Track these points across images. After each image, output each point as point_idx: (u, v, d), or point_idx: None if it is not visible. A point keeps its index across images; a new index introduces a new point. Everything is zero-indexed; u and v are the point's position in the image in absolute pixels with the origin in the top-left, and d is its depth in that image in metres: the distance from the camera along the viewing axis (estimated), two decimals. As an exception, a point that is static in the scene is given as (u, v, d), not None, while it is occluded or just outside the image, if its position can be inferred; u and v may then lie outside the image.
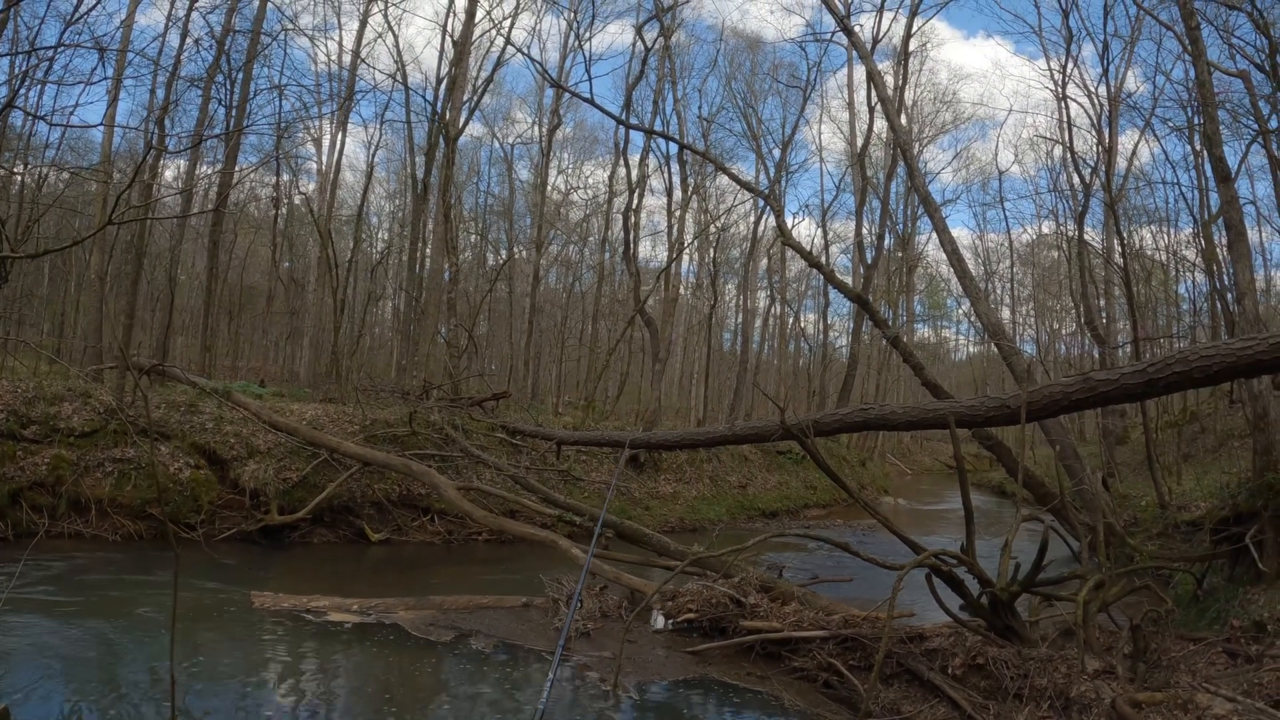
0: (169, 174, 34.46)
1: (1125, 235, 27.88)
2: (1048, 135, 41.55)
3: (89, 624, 9.88)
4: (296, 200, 38.83)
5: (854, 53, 33.88)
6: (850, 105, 43.96)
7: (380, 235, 52.00)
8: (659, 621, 10.83)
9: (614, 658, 9.00)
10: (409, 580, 13.86)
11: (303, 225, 42.26)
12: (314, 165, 42.06)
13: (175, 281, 28.51)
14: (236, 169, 27.91)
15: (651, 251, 52.19)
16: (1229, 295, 22.71)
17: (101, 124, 21.99)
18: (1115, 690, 7.14)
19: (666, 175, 40.34)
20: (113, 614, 10.36)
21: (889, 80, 34.02)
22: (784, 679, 9.12)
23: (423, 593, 11.98)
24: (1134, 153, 38.49)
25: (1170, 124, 31.68)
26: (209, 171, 31.40)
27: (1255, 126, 24.72)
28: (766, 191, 29.99)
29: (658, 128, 35.03)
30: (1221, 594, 10.50)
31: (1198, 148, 29.22)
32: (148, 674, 8.46)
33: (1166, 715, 6.73)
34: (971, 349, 72.80)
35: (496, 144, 47.80)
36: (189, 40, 24.33)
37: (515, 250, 47.14)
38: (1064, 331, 57.81)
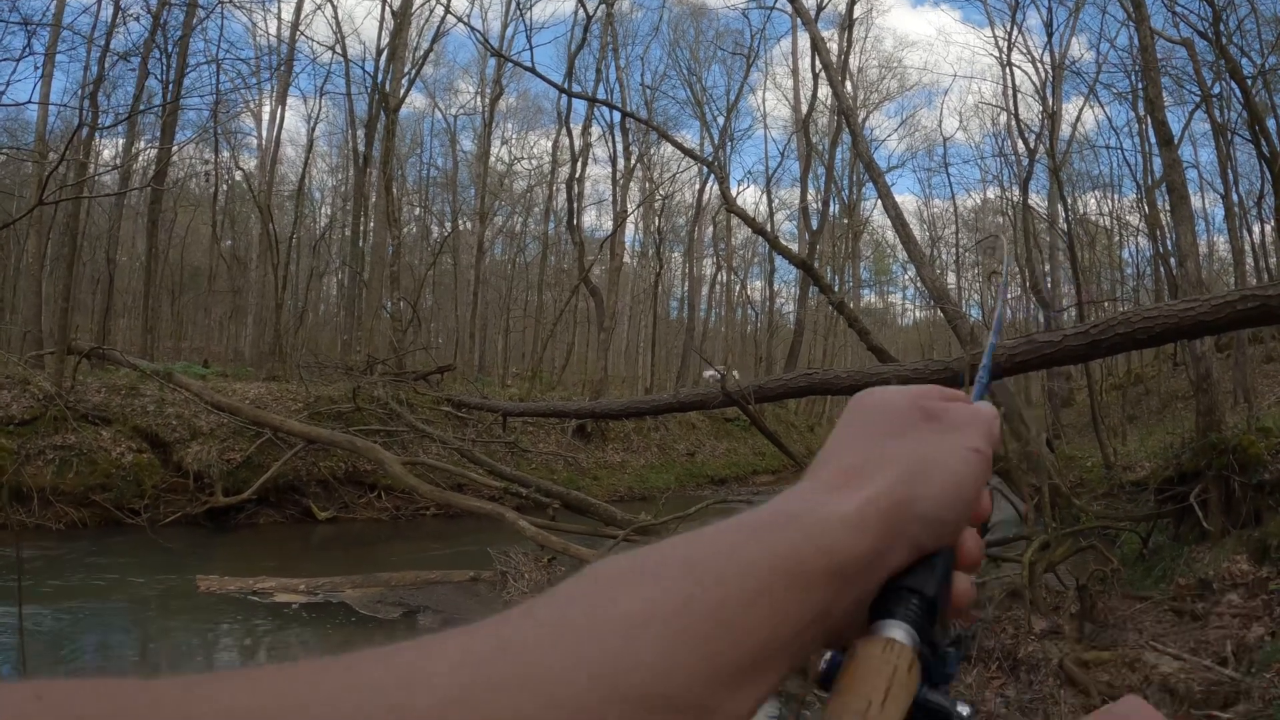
0: (107, 154, 33.85)
1: (1069, 200, 28.19)
2: (993, 102, 41.70)
3: (44, 614, 9.71)
4: (237, 177, 38.32)
5: (798, 20, 33.77)
6: (795, 72, 44.13)
7: (323, 210, 51.47)
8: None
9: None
10: (357, 558, 13.76)
11: (244, 202, 41.61)
12: (254, 140, 41.52)
13: (114, 263, 27.99)
14: (174, 145, 27.47)
15: (597, 221, 51.94)
16: (1172, 259, 22.94)
17: (33, 101, 21.57)
18: (1063, 650, 7.19)
19: (610, 144, 40.12)
20: (57, 602, 10.18)
21: (833, 47, 33.98)
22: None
23: (371, 570, 11.88)
24: (1078, 119, 38.69)
25: (1114, 90, 32.06)
26: (146, 148, 30.96)
27: (1198, 93, 25.02)
28: (711, 159, 29.91)
29: (601, 96, 34.80)
30: (1167, 553, 10.59)
31: (1141, 114, 29.56)
32: (105, 660, 8.35)
33: (1114, 674, 6.79)
34: (918, 314, 73.12)
35: (439, 115, 47.55)
36: (123, 14, 23.80)
37: (459, 222, 46.90)
38: (1009, 296, 58.12)
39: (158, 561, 12.46)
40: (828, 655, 0.54)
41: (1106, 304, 28.51)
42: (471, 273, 41.89)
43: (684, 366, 39.82)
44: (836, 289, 32.22)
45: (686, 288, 51.94)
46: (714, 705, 0.39)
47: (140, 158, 31.78)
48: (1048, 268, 34.53)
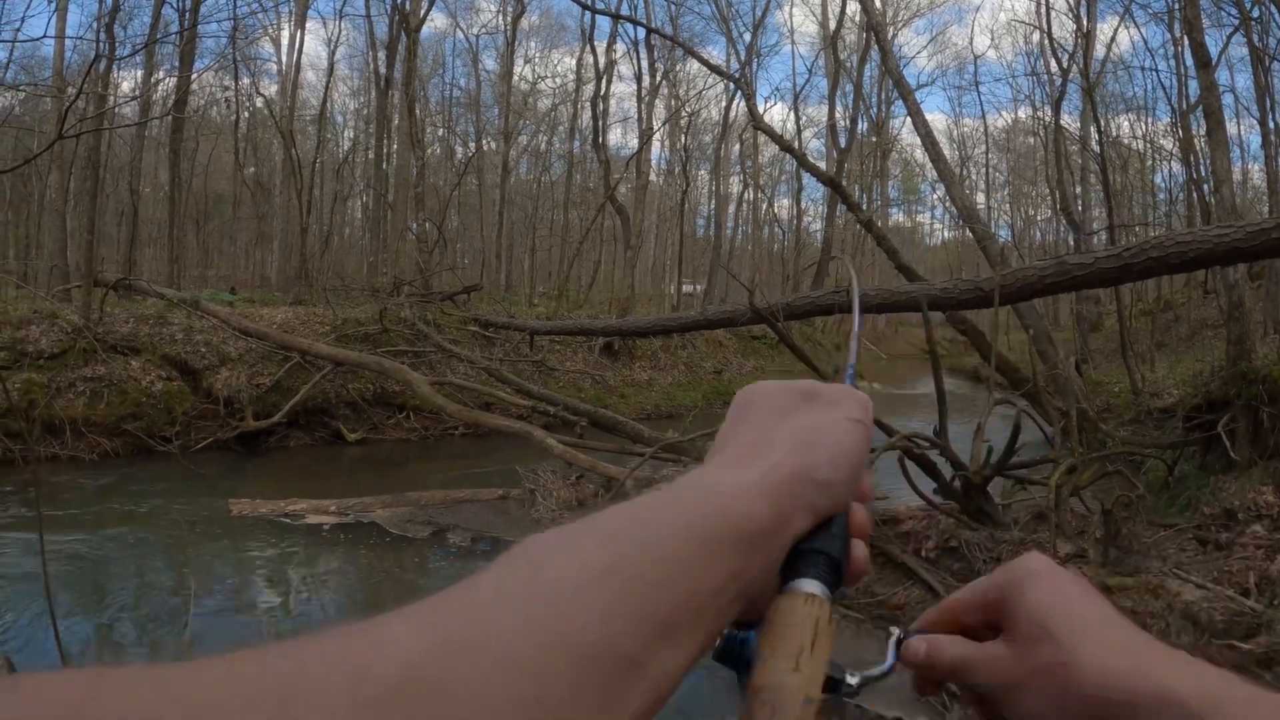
0: (126, 86, 33.77)
1: (1102, 122, 27.78)
2: (1026, 19, 41.24)
3: (80, 542, 9.85)
4: (258, 103, 38.16)
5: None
6: (823, -14, 43.38)
7: (346, 134, 51.32)
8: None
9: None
10: (387, 478, 13.86)
11: (266, 128, 41.48)
12: (274, 66, 41.34)
13: (138, 194, 27.92)
14: (193, 73, 27.31)
15: (622, 139, 51.85)
16: (1205, 185, 22.62)
17: (49, 36, 21.45)
18: (1087, 574, 7.20)
19: (635, 61, 39.76)
20: (94, 530, 10.32)
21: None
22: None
23: (401, 490, 11.96)
24: (1113, 39, 38.12)
25: (1150, 10, 31.47)
26: (165, 78, 30.78)
27: (1237, 16, 24.47)
28: (737, 76, 29.56)
29: (625, 12, 34.39)
30: (1193, 481, 10.54)
31: (1178, 35, 29.01)
32: (141, 586, 8.48)
33: (1137, 600, 6.80)
34: (946, 234, 72.75)
35: (460, 35, 47.08)
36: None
37: (483, 143, 46.60)
38: (1039, 218, 57.89)
39: (190, 487, 12.58)
40: (724, 633, 0.58)
41: (1138, 228, 28.22)
42: (497, 193, 41.82)
43: (710, 284, 39.71)
44: (864, 207, 32.02)
45: (713, 206, 51.71)
46: (648, 659, 0.44)
47: (159, 88, 31.62)
48: (1079, 190, 34.15)
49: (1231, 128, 37.62)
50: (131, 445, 14.63)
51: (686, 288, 44.45)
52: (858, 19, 40.12)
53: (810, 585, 0.59)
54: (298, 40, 36.05)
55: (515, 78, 42.83)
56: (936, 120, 72.20)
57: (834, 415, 0.66)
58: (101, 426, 14.49)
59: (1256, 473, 9.47)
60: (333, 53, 39.01)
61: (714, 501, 0.54)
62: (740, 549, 0.52)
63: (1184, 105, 28.41)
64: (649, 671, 0.44)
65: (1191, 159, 26.27)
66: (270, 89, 40.01)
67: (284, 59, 39.46)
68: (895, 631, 0.74)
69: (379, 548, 9.83)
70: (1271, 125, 28.09)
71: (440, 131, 48.06)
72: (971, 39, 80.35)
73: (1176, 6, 22.90)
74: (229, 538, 10.21)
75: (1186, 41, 16.32)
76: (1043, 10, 30.41)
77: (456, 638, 0.39)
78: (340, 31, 38.98)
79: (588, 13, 33.32)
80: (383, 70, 31.30)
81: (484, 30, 46.63)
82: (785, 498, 0.57)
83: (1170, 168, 39.97)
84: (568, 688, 0.39)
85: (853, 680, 0.61)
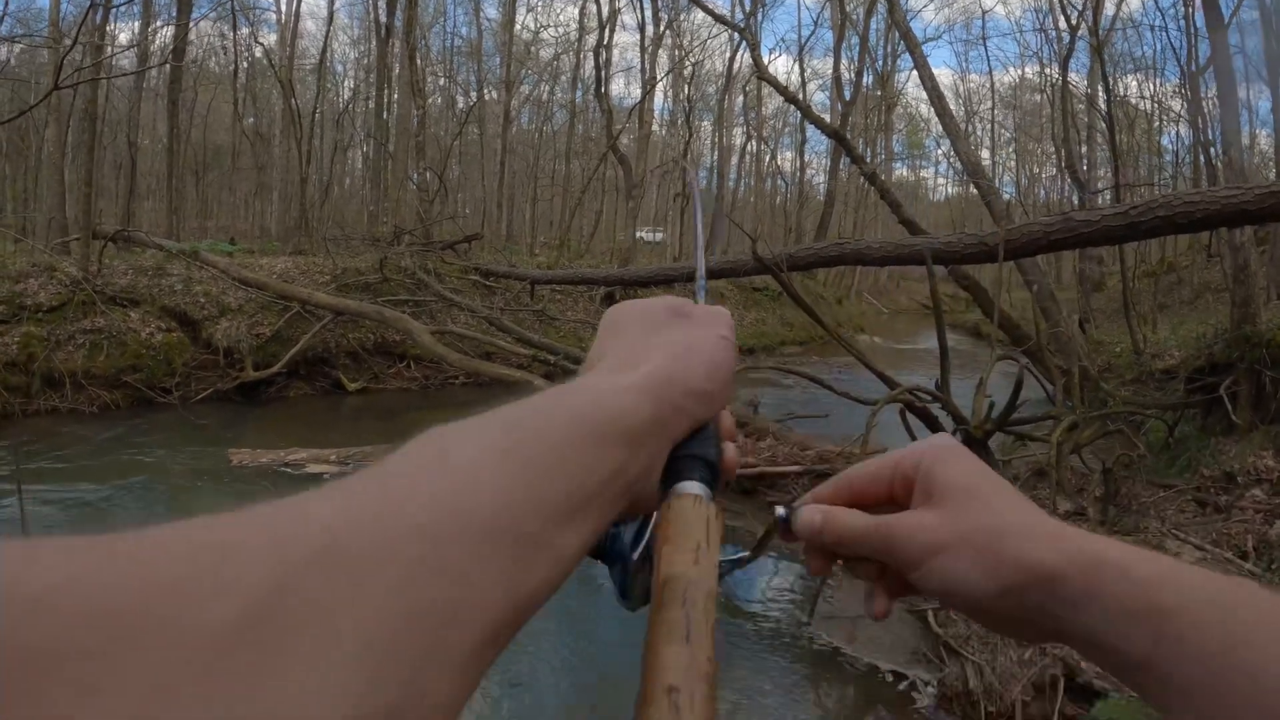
0: (123, 37, 33.53)
1: (1110, 81, 27.63)
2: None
3: (82, 493, 9.87)
4: (257, 53, 37.90)
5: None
6: (831, -65, 42.96)
7: (346, 84, 51.00)
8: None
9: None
10: (387, 428, 13.84)
11: (265, 78, 41.25)
12: (273, 15, 41.06)
13: (136, 146, 27.83)
14: (190, 21, 27.12)
15: (625, 89, 51.58)
16: (1213, 149, 22.51)
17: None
18: (1086, 531, 7.21)
19: (639, 10, 39.55)
20: (95, 480, 10.34)
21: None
22: (759, 513, 9.19)
23: (401, 439, 11.83)
24: (1124, -3, 37.75)
25: None
26: (162, 27, 30.57)
27: None
28: (742, 26, 29.35)
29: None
30: (1193, 443, 10.55)
31: (1195, -6, 28.76)
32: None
33: (1135, 559, 6.81)
34: (950, 190, 72.66)
35: (464, -18, 46.67)
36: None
37: (485, 92, 46.36)
38: (1044, 176, 57.71)
39: (191, 438, 12.59)
40: (611, 530, 0.64)
41: (1143, 189, 28.10)
42: (498, 142, 41.62)
43: (713, 235, 39.64)
44: (868, 161, 31.93)
45: (716, 157, 51.65)
46: (546, 539, 0.47)
47: (157, 38, 31.39)
48: (1084, 149, 33.99)
49: (1241, 92, 37.56)
50: (131, 397, 14.60)
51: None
52: (867, -32, 39.80)
53: (696, 487, 0.63)
54: (298, -12, 35.79)
55: (517, 26, 42.63)
56: (943, 75, 71.82)
57: (706, 332, 0.69)
58: (101, 379, 14.45)
59: (1257, 437, 9.47)
60: (332, 1, 38.63)
61: (600, 399, 0.58)
62: (624, 443, 0.56)
63: (1194, 67, 28.22)
64: (546, 551, 0.47)
65: (1199, 121, 26.11)
66: (269, 38, 39.86)
67: (283, 7, 39.33)
68: (780, 510, 0.76)
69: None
70: (1281, 89, 28.02)
71: (441, 81, 47.77)
72: (981, -9, 79.56)
73: (1189, -34, 22.73)
74: (229, 488, 10.22)
75: (1198, 1, 16.16)
76: (1054, -35, 30.16)
77: (370, 509, 0.41)
78: (342, -21, 38.54)
79: (592, -40, 33.02)
80: (383, 19, 31.04)
81: (488, -22, 46.29)
82: (664, 401, 0.61)
83: (1178, 129, 39.88)
84: (468, 557, 0.42)
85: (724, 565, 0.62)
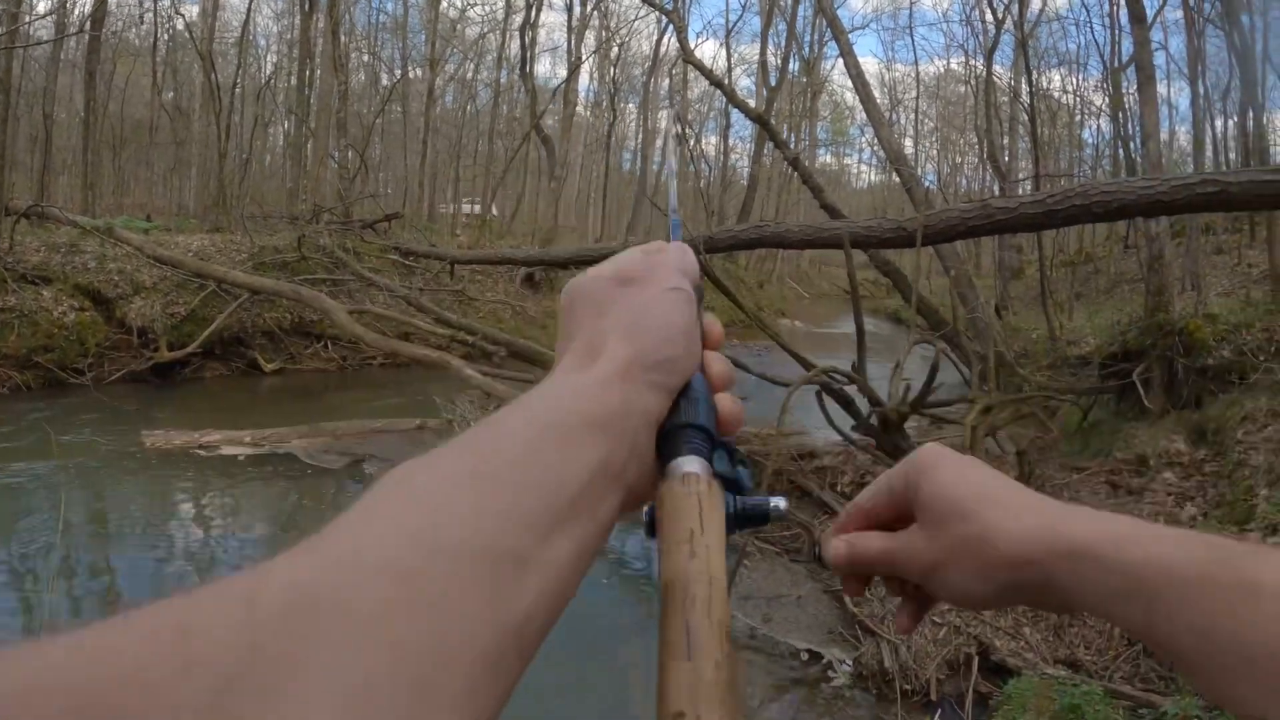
0: (42, 5, 32.71)
1: (1034, 74, 28.10)
2: (967, -33, 41.38)
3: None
4: (178, 25, 37.17)
5: None
6: (759, -79, 43.06)
7: (268, 58, 50.13)
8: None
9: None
10: (305, 409, 13.69)
11: (185, 51, 40.50)
12: (197, -14, 40.23)
13: (51, 119, 27.11)
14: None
15: (550, 69, 51.34)
16: (1132, 144, 22.98)
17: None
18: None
19: (568, -11, 39.41)
20: (8, 463, 10.10)
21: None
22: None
23: (319, 420, 11.86)
24: (1050, -9, 38.46)
25: None
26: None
27: None
28: (670, 9, 29.32)
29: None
30: (1106, 427, 10.81)
31: (1116, -9, 29.32)
32: (51, 521, 8.31)
33: (1047, 540, 6.93)
34: (873, 177, 73.37)
35: (390, -44, 46.17)
36: None
37: (409, 69, 45.90)
38: (966, 166, 58.45)
39: (104, 420, 12.36)
40: (648, 509, 0.62)
41: (1062, 179, 28.60)
42: (421, 121, 41.27)
43: (635, 217, 39.62)
44: (792, 147, 32.05)
45: (640, 140, 51.54)
46: (529, 553, 0.45)
47: (75, 8, 30.65)
48: (1006, 140, 34.57)
49: (1161, 88, 38.21)
50: (43, 378, 14.28)
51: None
52: (795, -46, 39.97)
53: (685, 463, 0.60)
54: (222, -42, 35.17)
55: (443, 4, 42.19)
56: (869, 64, 72.41)
57: (651, 293, 0.66)
58: (12, 359, 14.13)
59: (1169, 422, 9.71)
60: (256, -28, 37.94)
61: (562, 400, 0.56)
62: (595, 437, 0.54)
63: (1116, 63, 28.89)
64: (533, 565, 0.45)
65: (1120, 116, 26.62)
66: (191, 10, 39.04)
67: (207, -22, 38.47)
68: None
69: (295, 479, 9.78)
70: (1201, 89, 28.68)
71: (365, 57, 47.18)
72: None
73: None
74: (143, 471, 10.08)
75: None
76: (982, -39, 30.61)
77: (334, 556, 0.40)
78: (266, -48, 37.85)
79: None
80: (307, -8, 30.60)
81: (414, -48, 45.78)
82: (630, 385, 0.58)
83: (1099, 124, 40.73)
84: (446, 584, 0.41)
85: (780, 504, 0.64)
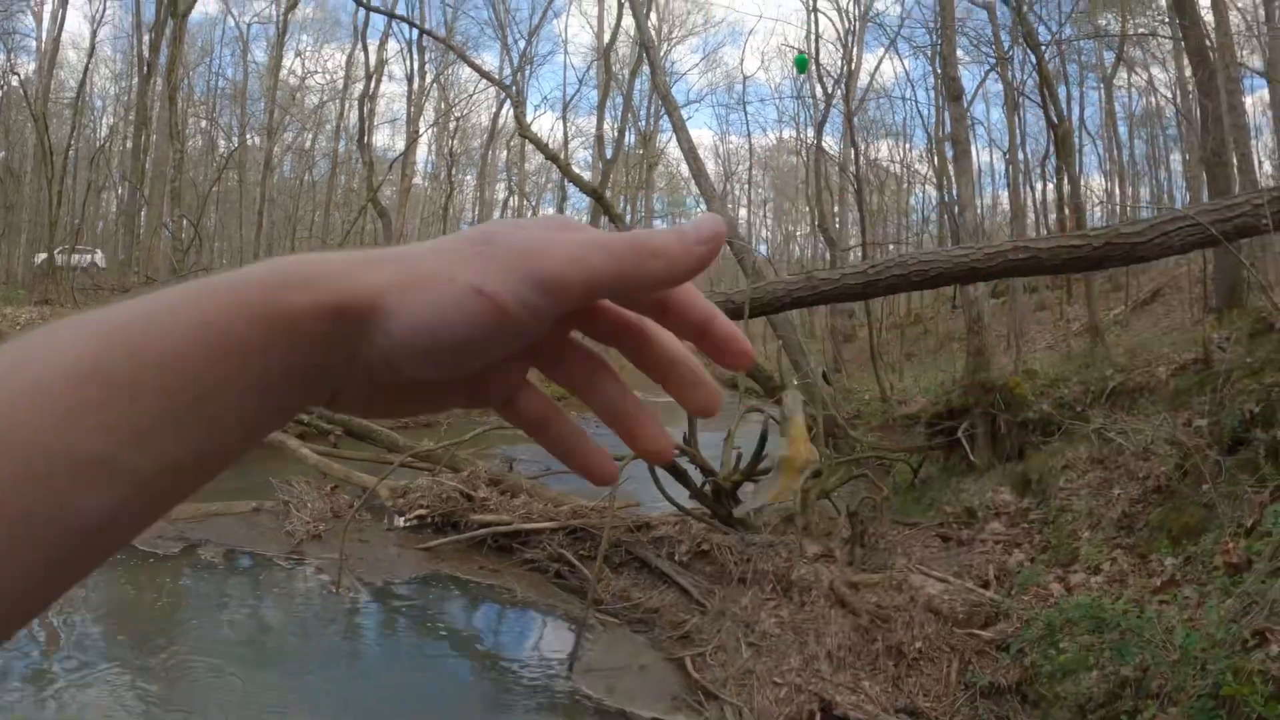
0: None
1: (862, 146, 29.16)
2: (796, 45, 42.68)
3: None
4: (12, 82, 36.05)
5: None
6: (601, -1, 43.86)
7: (104, 121, 48.75)
8: (395, 520, 10.81)
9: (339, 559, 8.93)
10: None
11: (18, 109, 39.18)
12: (33, 43, 39.08)
13: None
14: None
15: (389, 140, 50.93)
16: (955, 208, 24.11)
17: None
18: (833, 573, 7.54)
19: (407, 61, 39.46)
20: None
21: (642, -24, 34.06)
22: (516, 571, 9.26)
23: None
24: (877, 68, 39.96)
25: (914, 44, 33.56)
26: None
27: (994, 55, 26.24)
28: (509, 83, 29.63)
29: (401, 11, 34.04)
30: (936, 483, 11.23)
31: (938, 69, 30.78)
32: None
33: (882, 595, 7.17)
34: (708, 248, 74.18)
35: (232, 22, 45.54)
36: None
37: (247, 137, 45.25)
38: (798, 234, 59.86)
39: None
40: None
41: (890, 246, 29.59)
42: (258, 190, 40.65)
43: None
44: (628, 219, 32.47)
45: (477, 212, 51.57)
46: (125, 458, 0.42)
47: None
48: (837, 209, 35.69)
49: (985, 156, 40.24)
50: None
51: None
52: (632, 32, 40.75)
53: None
54: (60, 16, 34.28)
55: (284, 71, 41.87)
56: (704, 136, 74.00)
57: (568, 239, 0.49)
58: None
59: (994, 475, 10.15)
60: (95, 31, 36.99)
61: (275, 298, 0.46)
62: (277, 352, 0.46)
63: (940, 134, 30.22)
64: (123, 473, 0.42)
65: (944, 183, 27.80)
66: (27, 67, 37.82)
67: (44, 35, 37.45)
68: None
69: (128, 566, 9.46)
70: (1021, 157, 30.19)
71: (203, 123, 46.35)
72: (742, 60, 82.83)
73: (938, 43, 24.33)
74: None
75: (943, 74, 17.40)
76: (813, 38, 31.68)
77: None
78: (105, 9, 36.84)
79: (362, 9, 32.82)
80: (147, 54, 30.02)
81: (256, 19, 45.33)
82: (359, 319, 0.47)
83: (925, 191, 42.30)
84: (11, 475, 0.39)
85: None
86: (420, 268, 0.48)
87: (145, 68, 30.00)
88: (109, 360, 0.43)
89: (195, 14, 29.51)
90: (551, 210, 58.15)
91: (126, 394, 0.43)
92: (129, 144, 37.67)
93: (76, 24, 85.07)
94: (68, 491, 0.41)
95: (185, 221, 26.59)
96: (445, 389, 0.55)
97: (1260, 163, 27.73)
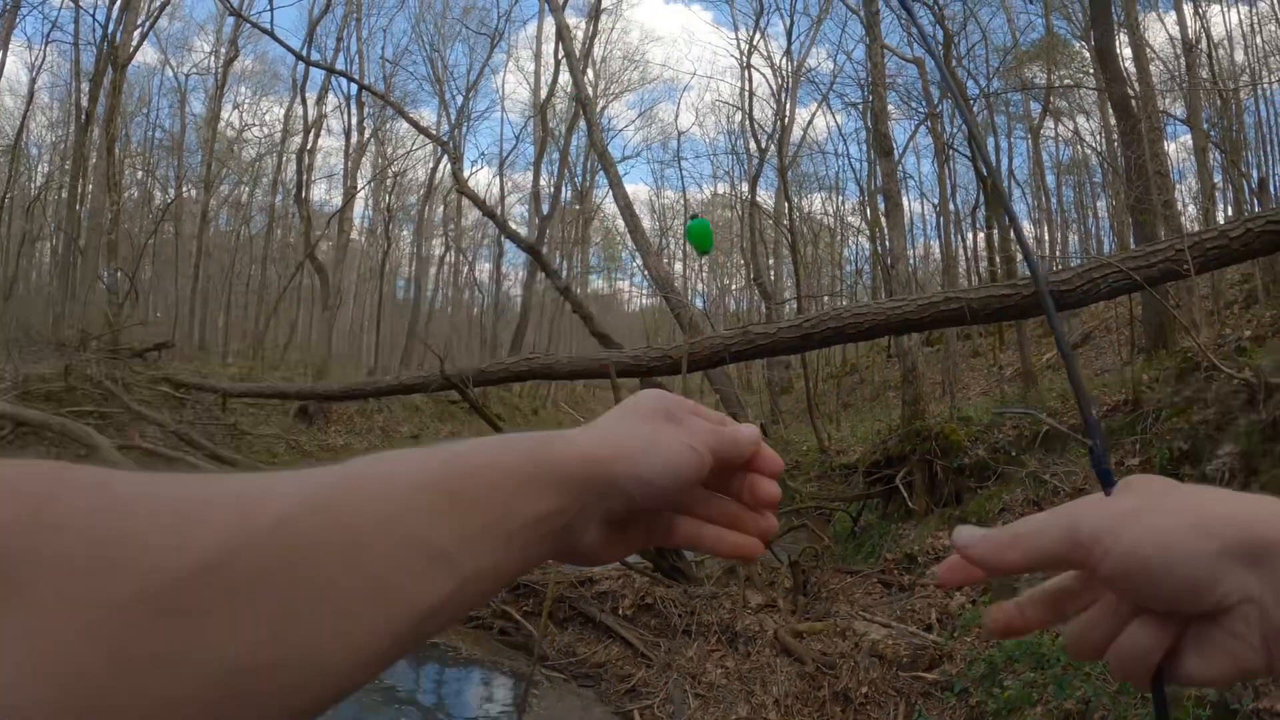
0: None
1: (795, 200, 29.63)
2: (730, 101, 43.43)
3: None
4: (-52, 130, 35.57)
5: (546, 4, 34.08)
6: (537, 56, 43.96)
7: (40, 169, 48.05)
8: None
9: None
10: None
11: (-47, 158, 38.64)
12: (-32, 89, 38.57)
13: None
14: None
15: (326, 195, 50.78)
16: (888, 259, 24.54)
17: None
18: (778, 622, 7.65)
19: (346, 116, 39.43)
20: None
21: (579, 34, 34.41)
22: (459, 629, 9.21)
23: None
24: (810, 123, 40.60)
25: (846, 99, 34.19)
26: None
27: (925, 109, 26.87)
28: (446, 138, 29.73)
29: (340, 66, 34.18)
30: (876, 530, 11.38)
31: (869, 124, 31.38)
32: None
33: (826, 642, 7.29)
34: (645, 301, 74.54)
35: (170, 73, 45.21)
36: None
37: (183, 189, 44.87)
38: (734, 287, 60.20)
39: None
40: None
41: (825, 298, 30.01)
42: (194, 243, 40.35)
43: (408, 348, 39.38)
44: (565, 274, 32.62)
45: (414, 267, 51.39)
46: (459, 557, 0.55)
47: None
48: (772, 261, 36.12)
49: (916, 207, 40.94)
50: None
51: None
52: (569, 90, 41.03)
53: None
54: None
55: (222, 123, 41.65)
56: (639, 191, 74.53)
57: (678, 435, 0.70)
58: None
59: (933, 520, 10.34)
60: (34, 79, 36.50)
61: (540, 453, 0.63)
62: (553, 493, 0.62)
63: (872, 186, 30.87)
64: (454, 566, 0.55)
65: (877, 234, 28.30)
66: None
67: (-20, 80, 36.90)
68: None
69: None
70: (952, 208, 30.82)
71: (140, 174, 45.87)
72: (677, 116, 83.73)
73: (869, 99, 24.87)
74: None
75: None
76: (746, 94, 32.23)
77: (320, 502, 0.50)
78: (45, 58, 36.34)
79: (301, 64, 32.87)
80: (85, 103, 29.75)
81: (195, 71, 44.98)
82: (605, 467, 0.65)
83: (859, 242, 42.95)
84: (384, 556, 0.51)
85: None
86: (654, 436, 0.69)
87: (83, 117, 29.73)
88: (450, 480, 0.57)
89: (133, 64, 29.34)
90: (488, 266, 58.21)
91: (464, 506, 0.56)
92: (64, 194, 37.20)
93: (15, 70, 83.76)
94: (422, 574, 0.53)
95: (121, 274, 26.30)
96: (645, 530, 0.75)
97: (1186, 205, 28.52)
